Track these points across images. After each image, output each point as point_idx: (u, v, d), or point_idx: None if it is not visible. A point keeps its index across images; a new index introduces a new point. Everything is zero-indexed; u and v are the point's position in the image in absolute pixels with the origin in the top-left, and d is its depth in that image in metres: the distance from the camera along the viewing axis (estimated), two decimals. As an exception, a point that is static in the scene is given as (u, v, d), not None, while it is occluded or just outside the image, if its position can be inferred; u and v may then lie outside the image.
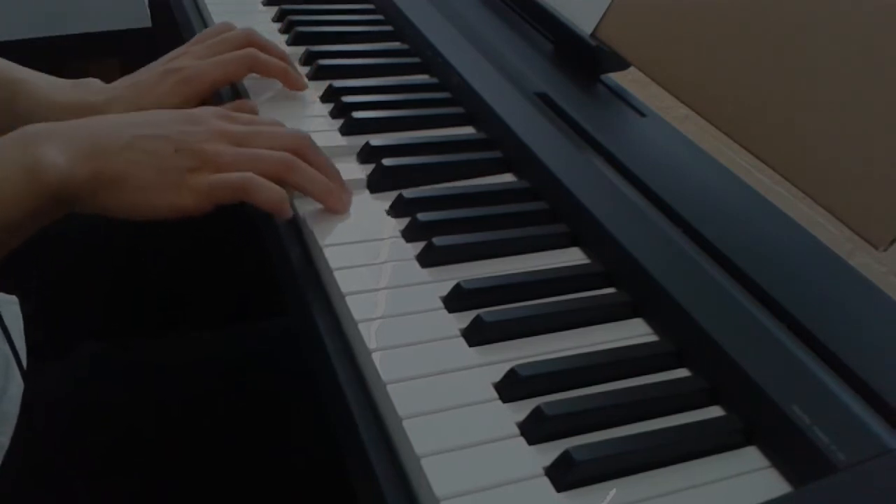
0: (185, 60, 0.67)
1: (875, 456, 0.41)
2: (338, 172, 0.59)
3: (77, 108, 0.65)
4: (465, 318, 0.49)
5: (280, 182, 0.55)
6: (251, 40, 0.69)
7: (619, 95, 0.73)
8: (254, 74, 0.70)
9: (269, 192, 0.55)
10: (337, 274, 0.52)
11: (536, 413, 0.43)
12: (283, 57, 0.71)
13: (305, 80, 0.72)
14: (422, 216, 0.56)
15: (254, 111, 0.66)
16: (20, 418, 0.62)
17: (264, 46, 0.70)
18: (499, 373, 0.46)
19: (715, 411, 0.46)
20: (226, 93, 0.72)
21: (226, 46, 0.68)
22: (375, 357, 0.46)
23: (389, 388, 0.44)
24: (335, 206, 0.57)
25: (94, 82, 0.69)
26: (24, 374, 0.64)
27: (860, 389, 0.45)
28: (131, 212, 0.54)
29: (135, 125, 0.55)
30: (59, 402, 0.66)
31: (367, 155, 0.64)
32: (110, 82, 0.69)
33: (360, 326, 0.48)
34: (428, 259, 0.54)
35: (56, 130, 0.53)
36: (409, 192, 0.59)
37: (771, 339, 0.47)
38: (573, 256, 0.56)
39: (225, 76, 0.68)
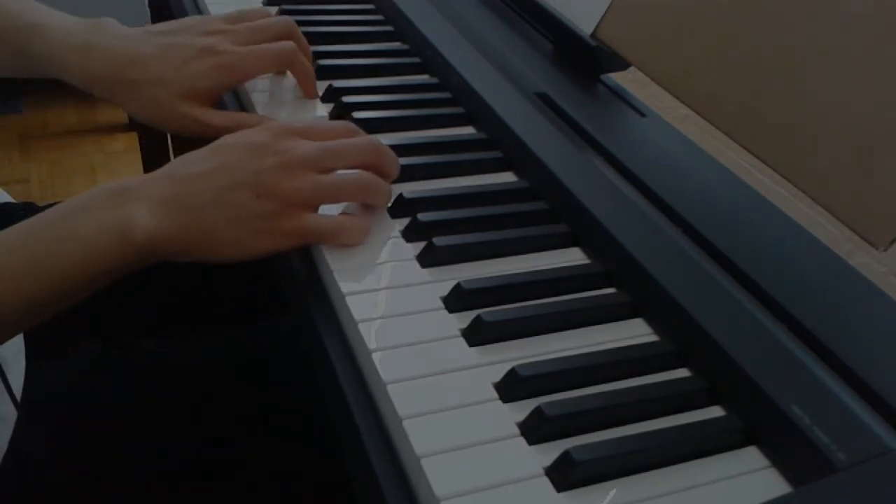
0: (224, 43, 0.65)
1: (875, 456, 0.41)
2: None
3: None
4: (465, 318, 0.49)
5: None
6: (292, 33, 0.68)
7: (619, 95, 0.73)
8: None
9: (360, 236, 0.55)
10: (337, 274, 0.52)
11: (537, 413, 0.43)
12: (310, 56, 0.70)
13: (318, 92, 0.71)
14: (422, 216, 0.56)
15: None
16: (19, 416, 0.62)
17: (301, 41, 0.68)
18: (499, 373, 0.46)
19: (715, 411, 0.46)
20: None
21: (266, 36, 0.66)
22: (375, 357, 0.46)
23: (389, 388, 0.44)
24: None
25: (110, 23, 0.68)
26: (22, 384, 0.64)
27: (860, 389, 0.45)
28: (224, 261, 0.54)
29: (213, 176, 0.53)
30: (59, 401, 0.66)
31: (368, 155, 0.64)
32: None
33: (361, 326, 0.48)
34: (428, 259, 0.54)
35: (143, 189, 0.52)
36: (409, 193, 0.59)
37: (771, 339, 0.47)
38: (573, 256, 0.56)
39: (263, 70, 0.66)
